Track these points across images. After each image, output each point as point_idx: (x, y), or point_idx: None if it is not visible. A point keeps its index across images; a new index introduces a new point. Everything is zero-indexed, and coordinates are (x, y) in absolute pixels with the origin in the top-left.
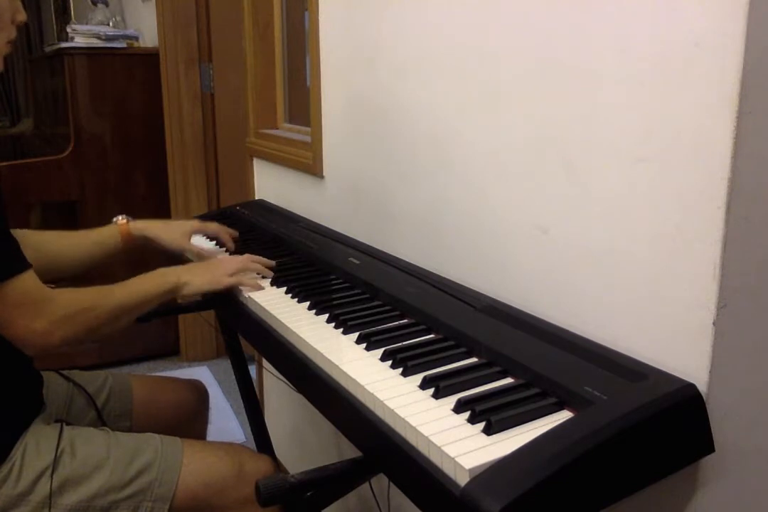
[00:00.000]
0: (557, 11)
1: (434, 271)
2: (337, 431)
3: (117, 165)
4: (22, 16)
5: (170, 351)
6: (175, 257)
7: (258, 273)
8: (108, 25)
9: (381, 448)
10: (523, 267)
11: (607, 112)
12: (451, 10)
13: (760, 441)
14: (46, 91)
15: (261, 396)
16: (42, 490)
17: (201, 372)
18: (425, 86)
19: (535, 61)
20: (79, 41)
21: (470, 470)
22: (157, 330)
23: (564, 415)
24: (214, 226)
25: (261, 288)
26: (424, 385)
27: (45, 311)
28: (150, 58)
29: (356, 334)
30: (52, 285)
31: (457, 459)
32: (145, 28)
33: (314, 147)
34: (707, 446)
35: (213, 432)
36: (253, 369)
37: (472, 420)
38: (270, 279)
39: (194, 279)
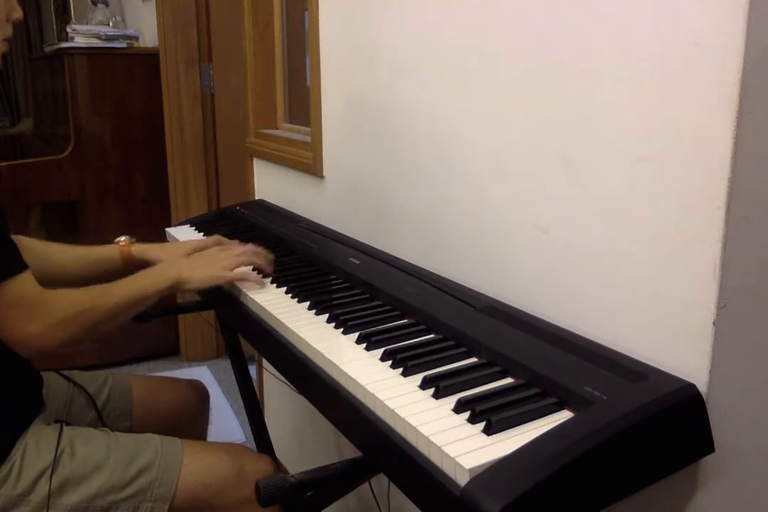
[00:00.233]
0: (557, 11)
1: (434, 271)
2: (337, 431)
3: (117, 165)
4: (18, 14)
5: (170, 351)
6: None
7: (258, 271)
8: (108, 25)
9: (381, 448)
10: (523, 267)
11: (607, 112)
12: (451, 10)
13: (760, 441)
14: (46, 91)
15: (261, 396)
16: (42, 490)
17: (201, 372)
18: (425, 86)
19: (535, 61)
20: (79, 41)
21: (470, 470)
22: (157, 330)
23: (564, 415)
24: (210, 241)
25: (263, 284)
26: (424, 385)
27: (41, 314)
28: (150, 58)
29: (356, 334)
30: None
31: (457, 459)
32: (145, 28)
33: (314, 147)
34: (707, 446)
35: (213, 432)
36: (253, 369)
37: (472, 420)
38: (270, 278)
39: (195, 274)
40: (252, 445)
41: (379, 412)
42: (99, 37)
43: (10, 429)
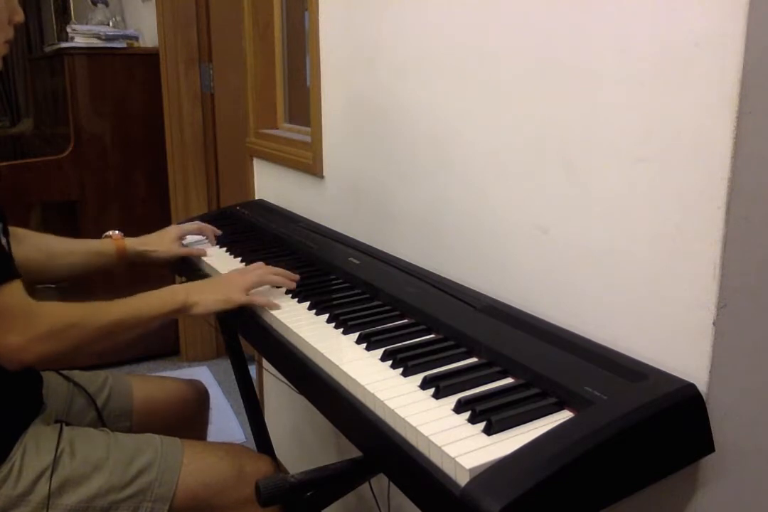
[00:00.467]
0: (557, 11)
1: (434, 271)
2: (337, 431)
3: (117, 165)
4: (19, 17)
5: (170, 351)
6: (173, 267)
7: (278, 286)
8: (108, 25)
9: (381, 448)
10: (523, 267)
11: (607, 112)
12: (451, 10)
13: (760, 441)
14: (46, 91)
15: (261, 396)
16: (42, 491)
17: (201, 372)
18: (425, 86)
19: (535, 61)
20: (79, 41)
21: (470, 470)
22: (157, 330)
23: (564, 415)
24: (194, 226)
25: (277, 306)
26: (424, 385)
27: (24, 326)
28: (150, 58)
29: (356, 334)
30: (52, 285)
31: (457, 459)
32: (145, 28)
33: (314, 147)
34: (707, 446)
35: (213, 432)
36: (253, 369)
37: (472, 420)
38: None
39: (204, 298)
40: (252, 445)
41: (379, 412)
42: (99, 37)
43: (9, 429)
